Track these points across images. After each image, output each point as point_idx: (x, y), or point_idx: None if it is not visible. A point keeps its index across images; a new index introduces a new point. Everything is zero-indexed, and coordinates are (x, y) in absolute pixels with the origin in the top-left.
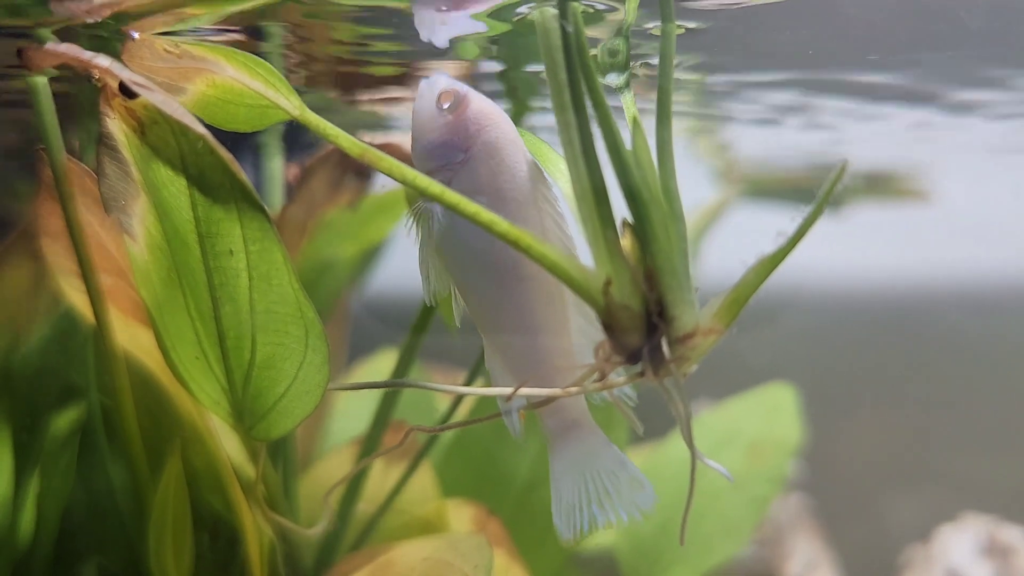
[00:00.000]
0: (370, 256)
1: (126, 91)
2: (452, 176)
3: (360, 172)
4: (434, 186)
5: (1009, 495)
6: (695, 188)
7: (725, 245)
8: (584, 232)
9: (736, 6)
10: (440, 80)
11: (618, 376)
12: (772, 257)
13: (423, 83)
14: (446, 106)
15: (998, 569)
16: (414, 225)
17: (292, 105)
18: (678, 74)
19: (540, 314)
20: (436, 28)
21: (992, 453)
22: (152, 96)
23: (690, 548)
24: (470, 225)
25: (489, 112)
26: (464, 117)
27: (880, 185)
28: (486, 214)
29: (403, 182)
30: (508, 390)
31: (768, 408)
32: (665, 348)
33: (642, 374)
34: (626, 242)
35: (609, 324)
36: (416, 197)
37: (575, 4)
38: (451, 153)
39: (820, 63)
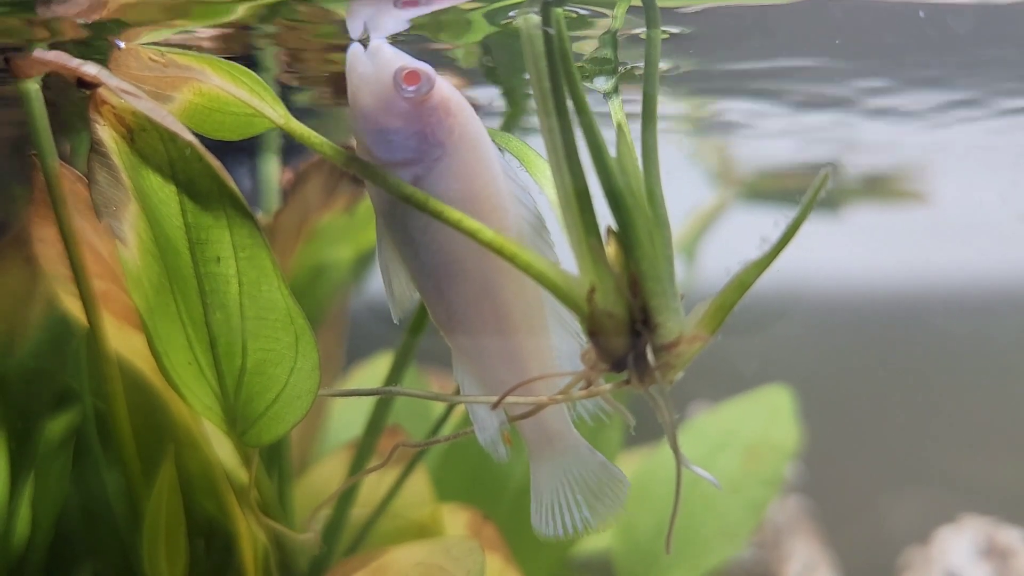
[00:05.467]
0: (367, 260)
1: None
2: (426, 173)
3: (355, 176)
4: (417, 195)
5: (1008, 497)
6: (693, 190)
7: (724, 247)
8: (568, 239)
9: (725, 10)
10: (386, 50)
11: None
12: (757, 264)
13: (360, 52)
14: (411, 89)
15: (997, 571)
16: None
17: (277, 114)
18: (673, 77)
19: (518, 319)
20: (382, 21)
21: (991, 455)
22: (139, 103)
23: (687, 550)
24: (446, 227)
25: (458, 99)
26: (434, 104)
27: (877, 187)
28: (469, 221)
29: (389, 190)
30: (494, 398)
31: (765, 411)
32: (650, 355)
33: (627, 382)
34: (610, 249)
35: (594, 331)
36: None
37: (558, 10)
38: (424, 147)
39: (811, 67)
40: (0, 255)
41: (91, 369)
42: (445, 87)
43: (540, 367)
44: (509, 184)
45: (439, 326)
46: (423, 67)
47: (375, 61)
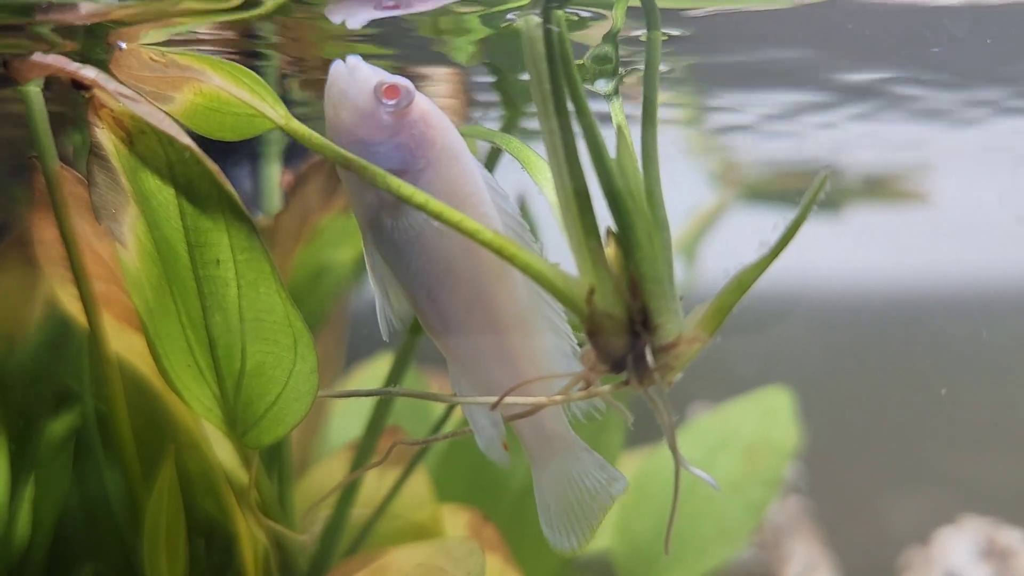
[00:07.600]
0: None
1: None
2: (412, 184)
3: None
4: (418, 195)
5: (1008, 497)
6: (693, 191)
7: (725, 248)
8: (568, 240)
9: (727, 13)
10: (363, 67)
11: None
12: (756, 265)
13: (341, 68)
14: (391, 103)
15: (997, 571)
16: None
17: (278, 114)
18: (673, 77)
19: (511, 322)
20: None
21: (991, 455)
22: (138, 107)
23: (687, 551)
24: (438, 232)
25: (437, 111)
26: (415, 117)
27: (877, 187)
28: (470, 222)
29: (391, 191)
30: (493, 399)
31: (764, 411)
32: (649, 356)
33: (626, 383)
34: (610, 250)
35: (593, 332)
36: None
37: (559, 12)
38: (409, 158)
39: (811, 68)
40: (1, 257)
41: (91, 370)
42: (423, 101)
43: (535, 369)
44: (490, 192)
45: (432, 334)
46: (402, 81)
47: (353, 77)
